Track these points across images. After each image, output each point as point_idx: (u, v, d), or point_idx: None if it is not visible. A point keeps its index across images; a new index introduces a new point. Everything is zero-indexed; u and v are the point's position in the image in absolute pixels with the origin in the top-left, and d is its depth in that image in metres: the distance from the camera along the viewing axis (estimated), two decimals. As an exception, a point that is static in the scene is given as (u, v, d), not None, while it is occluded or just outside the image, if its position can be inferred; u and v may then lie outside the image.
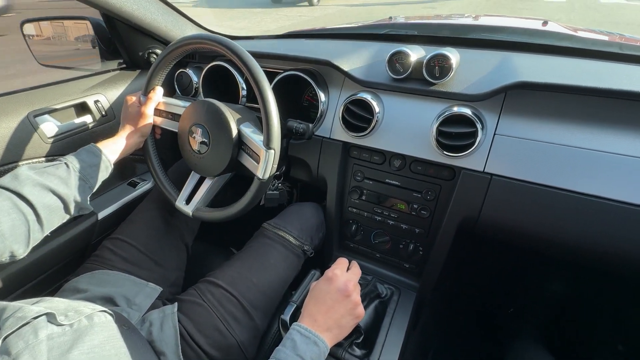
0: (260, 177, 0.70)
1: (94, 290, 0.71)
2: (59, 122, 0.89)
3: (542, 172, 0.69)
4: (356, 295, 0.62)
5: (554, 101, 0.70)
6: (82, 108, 0.95)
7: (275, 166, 0.71)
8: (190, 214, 0.80)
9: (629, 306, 1.02)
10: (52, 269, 0.92)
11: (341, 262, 0.68)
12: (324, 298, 0.61)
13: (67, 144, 0.90)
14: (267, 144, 0.69)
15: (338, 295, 0.61)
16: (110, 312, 0.56)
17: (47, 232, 0.64)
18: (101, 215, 0.99)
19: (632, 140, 0.64)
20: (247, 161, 0.74)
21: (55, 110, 0.88)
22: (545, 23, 1.19)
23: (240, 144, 0.75)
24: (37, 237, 0.61)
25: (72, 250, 0.96)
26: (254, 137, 0.73)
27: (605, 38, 1.06)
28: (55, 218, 0.65)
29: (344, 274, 0.65)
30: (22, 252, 0.59)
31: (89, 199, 0.71)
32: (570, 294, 1.18)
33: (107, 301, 0.70)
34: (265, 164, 0.69)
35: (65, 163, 0.68)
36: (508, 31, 1.10)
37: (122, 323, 0.57)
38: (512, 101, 0.73)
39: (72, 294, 0.71)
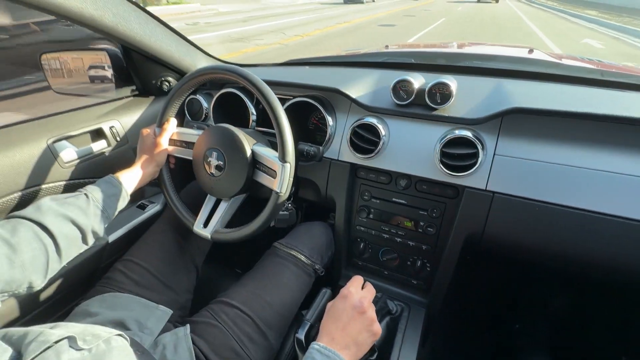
0: (278, 191, 0.73)
1: (106, 313, 0.72)
2: (76, 148, 0.92)
3: (540, 189, 0.74)
4: (372, 312, 0.63)
5: (547, 124, 0.77)
6: (98, 134, 0.98)
7: (292, 180, 0.74)
8: (210, 237, 0.81)
9: (631, 319, 1.05)
10: (62, 292, 0.92)
11: (356, 280, 0.69)
12: (340, 315, 0.61)
13: (84, 168, 0.93)
14: (283, 158, 0.72)
15: (354, 312, 0.61)
16: (125, 336, 0.56)
17: (64, 263, 0.64)
18: (111, 238, 1.00)
19: (623, 159, 0.69)
20: (263, 178, 0.77)
21: (73, 136, 0.91)
22: (531, 51, 1.29)
23: (254, 163, 0.78)
24: (54, 267, 0.61)
25: (82, 274, 0.96)
26: (268, 153, 0.77)
27: (587, 65, 1.16)
28: (73, 248, 0.65)
29: (359, 292, 0.65)
30: (39, 283, 0.59)
31: (105, 228, 0.72)
32: (574, 307, 1.21)
33: (119, 325, 0.70)
34: (282, 177, 0.72)
35: (85, 194, 0.69)
36: (498, 59, 1.19)
37: (137, 347, 0.57)
38: (509, 124, 0.79)
39: (83, 317, 0.71)
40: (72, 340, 0.46)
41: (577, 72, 0.99)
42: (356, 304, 0.62)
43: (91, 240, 0.69)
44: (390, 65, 1.15)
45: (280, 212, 1.02)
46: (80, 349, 0.46)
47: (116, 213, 0.76)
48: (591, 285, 1.09)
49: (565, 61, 1.17)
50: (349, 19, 13.34)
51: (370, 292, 0.68)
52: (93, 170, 0.96)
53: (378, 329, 0.62)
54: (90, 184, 0.74)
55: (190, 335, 0.70)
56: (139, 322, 0.72)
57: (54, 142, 0.87)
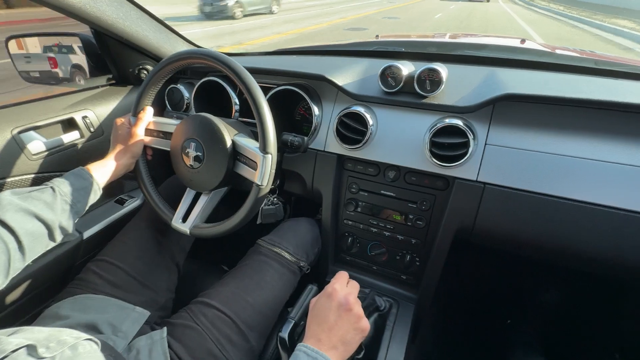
0: (259, 184, 0.69)
1: (77, 316, 0.67)
2: (44, 139, 0.86)
3: (532, 179, 0.71)
4: (358, 309, 0.60)
5: (540, 112, 0.74)
6: (70, 124, 0.92)
7: (274, 172, 0.70)
8: (188, 232, 0.77)
9: (624, 314, 1.03)
10: (31, 293, 0.86)
11: (341, 277, 0.65)
12: (325, 315, 0.58)
13: (54, 161, 0.87)
14: (264, 149, 0.68)
15: (340, 310, 0.58)
16: (95, 340, 0.52)
17: (28, 261, 0.59)
18: (86, 234, 0.94)
19: (616, 148, 0.67)
20: (244, 170, 0.73)
21: (41, 126, 0.86)
22: (523, 41, 1.26)
23: (235, 154, 0.74)
24: (17, 266, 0.57)
25: (54, 274, 0.91)
26: (249, 144, 0.72)
27: (580, 55, 1.13)
28: (39, 245, 0.61)
29: (344, 289, 0.62)
30: (0, 283, 0.55)
31: (75, 224, 0.67)
32: (566, 302, 1.20)
33: (91, 328, 0.66)
34: (262, 169, 0.68)
35: (52, 187, 0.64)
36: (490, 48, 1.15)
37: (108, 352, 0.53)
38: (501, 112, 0.76)
39: (52, 320, 0.67)
40: (31, 348, 0.42)
41: (570, 61, 0.96)
42: (342, 301, 0.59)
43: (59, 237, 0.64)
44: (379, 54, 1.11)
45: (266, 207, 0.98)
46: (41, 358, 0.42)
47: (87, 207, 0.71)
48: (584, 279, 1.08)
49: (558, 51, 1.15)
50: (309, 23, 10.97)
51: (354, 287, 0.64)
52: (64, 163, 0.90)
53: (366, 325, 0.59)
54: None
55: (166, 339, 0.66)
56: (112, 325, 0.68)
57: (20, 132, 0.81)
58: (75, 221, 0.68)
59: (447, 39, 1.35)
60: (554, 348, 1.14)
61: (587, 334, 1.13)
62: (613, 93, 0.68)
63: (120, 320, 0.70)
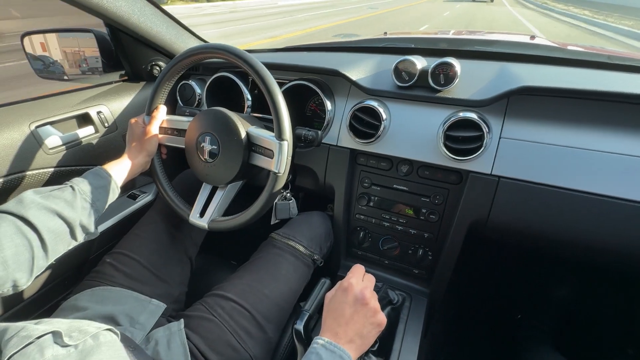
0: (277, 171, 0.69)
1: (95, 308, 0.68)
2: (60, 133, 0.87)
3: (547, 172, 0.71)
4: (375, 303, 0.59)
5: (554, 105, 0.74)
6: (84, 119, 0.93)
7: (290, 158, 0.70)
8: (207, 226, 0.77)
9: (637, 308, 1.03)
10: (48, 286, 0.87)
11: (357, 270, 0.64)
12: (342, 310, 0.58)
13: (69, 155, 0.88)
14: (280, 136, 0.68)
15: (356, 305, 0.57)
16: (115, 330, 0.53)
17: (51, 260, 0.60)
18: (100, 228, 0.95)
19: (632, 141, 0.67)
20: (260, 160, 0.74)
21: (57, 121, 0.87)
22: (532, 37, 1.26)
23: (250, 145, 0.74)
24: (41, 264, 0.57)
25: (69, 266, 0.92)
26: (264, 134, 0.73)
27: (591, 51, 1.13)
28: (61, 244, 0.61)
29: (360, 283, 0.61)
30: (24, 281, 0.55)
31: (95, 222, 0.68)
32: (580, 297, 1.19)
33: (109, 320, 0.67)
34: (280, 156, 0.68)
35: (71, 186, 0.65)
36: (501, 44, 1.15)
37: (127, 343, 0.54)
38: (515, 106, 0.76)
39: (71, 312, 0.68)
40: (56, 335, 0.43)
41: (582, 56, 0.96)
42: (358, 295, 0.58)
43: (80, 236, 0.65)
44: (390, 50, 1.11)
45: (280, 202, 0.98)
46: (65, 345, 0.43)
47: (106, 206, 0.72)
48: (596, 273, 1.07)
49: (569, 47, 1.14)
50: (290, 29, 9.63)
51: (370, 281, 0.64)
52: (80, 158, 0.91)
53: (383, 319, 0.59)
54: (78, 171, 0.70)
55: (184, 330, 0.67)
56: (130, 317, 0.69)
57: (38, 127, 0.82)
58: (96, 219, 0.69)
59: (456, 36, 1.35)
60: (565, 343, 1.13)
61: (599, 329, 1.12)
62: (630, 86, 0.67)
63: (137, 312, 0.70)
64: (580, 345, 1.13)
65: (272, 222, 0.96)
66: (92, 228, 0.67)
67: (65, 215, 0.61)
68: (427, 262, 0.92)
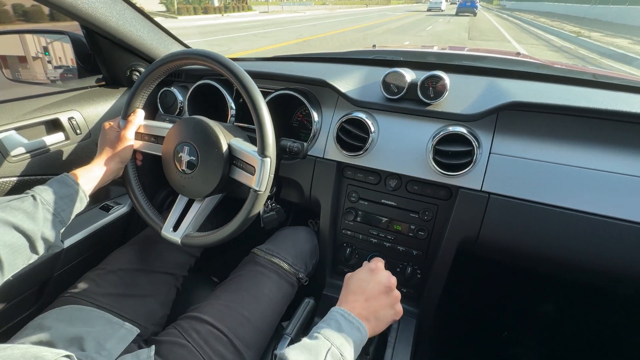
0: (257, 189, 0.65)
1: (61, 329, 0.62)
2: (26, 140, 0.81)
3: (538, 190, 0.70)
4: (398, 293, 0.61)
5: (544, 122, 0.73)
6: (54, 125, 0.87)
7: (272, 176, 0.66)
8: (179, 241, 0.72)
9: (624, 328, 1.02)
10: (9, 303, 0.80)
11: (380, 261, 0.66)
12: (364, 287, 0.59)
13: (37, 163, 0.82)
14: (262, 152, 0.64)
15: (380, 287, 0.59)
16: (74, 358, 0.48)
17: (8, 276, 0.54)
18: (67, 243, 0.88)
19: (621, 159, 0.66)
20: (241, 175, 0.69)
21: (23, 127, 0.80)
22: (518, 54, 1.28)
23: (231, 159, 0.70)
24: None
25: (31, 284, 0.84)
26: (246, 148, 0.69)
27: (577, 69, 1.14)
28: (20, 259, 0.56)
29: (386, 271, 0.64)
30: None
31: (60, 234, 0.63)
32: (567, 315, 1.18)
33: (74, 343, 0.60)
34: (261, 173, 0.64)
35: (32, 195, 0.60)
36: (489, 60, 1.16)
37: None
38: (505, 121, 0.75)
39: (34, 332, 0.61)
40: None
41: (569, 73, 0.97)
42: (384, 280, 0.60)
43: (42, 249, 0.60)
44: (379, 62, 1.09)
45: (266, 215, 0.93)
46: None
47: (72, 216, 0.66)
48: (584, 291, 1.06)
49: (555, 65, 1.16)
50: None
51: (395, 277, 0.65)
52: (47, 167, 0.85)
53: (401, 310, 0.61)
54: (44, 181, 0.65)
55: (154, 358, 0.61)
56: (97, 342, 0.63)
57: (0, 132, 0.76)
58: (61, 231, 0.63)
59: (445, 50, 1.36)
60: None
61: (585, 347, 1.11)
62: (617, 103, 0.67)
63: (106, 336, 0.64)
64: None
65: (261, 226, 0.92)
66: (55, 241, 0.62)
67: (24, 227, 0.55)
68: (416, 280, 0.89)
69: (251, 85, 0.65)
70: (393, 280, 0.62)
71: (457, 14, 26.86)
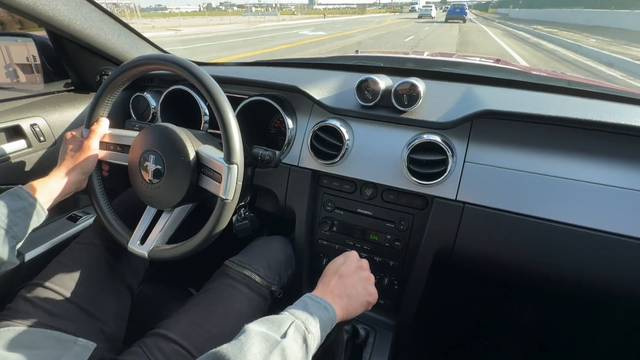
0: (224, 197, 0.62)
1: (2, 355, 0.57)
2: None
3: (512, 199, 0.69)
4: (371, 275, 0.65)
5: (518, 130, 0.72)
6: (15, 132, 0.83)
7: (240, 184, 0.64)
8: (147, 255, 0.69)
9: (601, 336, 1.02)
10: None
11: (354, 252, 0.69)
12: (337, 268, 0.63)
13: None
14: (228, 159, 0.62)
15: (352, 266, 0.63)
16: None
17: None
18: (28, 256, 0.84)
19: (595, 168, 0.65)
20: (209, 184, 0.67)
21: None
22: (498, 60, 1.28)
23: (199, 167, 0.67)
24: None
25: None
26: (213, 154, 0.66)
27: (552, 76, 1.15)
28: None
29: (360, 258, 0.67)
30: None
31: (15, 250, 0.59)
32: (545, 324, 1.17)
33: None
34: (227, 181, 0.62)
35: None
36: (467, 66, 1.16)
37: None
38: (479, 129, 0.74)
39: None
40: None
41: (544, 80, 0.97)
42: (357, 262, 0.65)
43: None
44: (357, 68, 1.08)
45: (238, 224, 0.90)
46: None
47: (28, 231, 0.62)
48: (562, 301, 1.06)
49: (532, 72, 1.17)
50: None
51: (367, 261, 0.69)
52: (6, 176, 0.81)
53: (375, 291, 0.63)
54: (3, 190, 0.60)
55: None
56: None
57: None
58: (16, 246, 0.60)
59: (424, 56, 1.36)
60: None
61: (565, 355, 1.10)
62: (589, 112, 0.67)
63: (57, 355, 0.60)
64: None
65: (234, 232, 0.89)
66: (7, 257, 0.58)
67: None
68: (393, 291, 0.87)
69: (215, 89, 0.62)
70: (365, 263, 0.66)
71: (446, 21, 27.34)
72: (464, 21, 26.47)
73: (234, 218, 0.91)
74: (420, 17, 35.42)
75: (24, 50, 0.91)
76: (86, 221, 0.98)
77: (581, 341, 1.08)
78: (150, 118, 1.03)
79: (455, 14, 26.93)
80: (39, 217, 0.64)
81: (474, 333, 1.22)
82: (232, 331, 0.69)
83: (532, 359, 1.14)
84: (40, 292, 0.68)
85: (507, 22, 26.11)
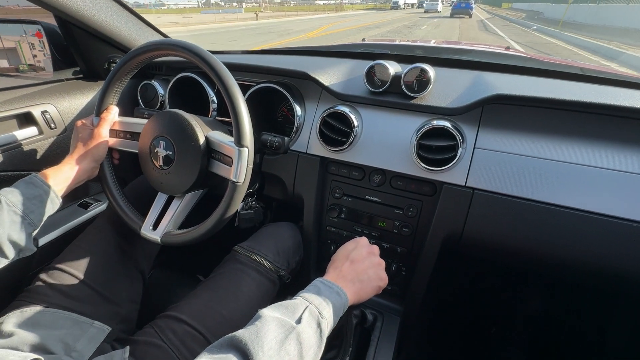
0: (235, 180, 0.63)
1: (23, 334, 0.58)
2: None
3: (522, 185, 0.68)
4: (381, 260, 0.65)
5: (529, 116, 0.71)
6: (26, 119, 0.84)
7: (251, 167, 0.64)
8: (159, 240, 0.70)
9: (609, 323, 1.02)
10: None
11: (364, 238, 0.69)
12: (348, 253, 0.63)
13: (6, 159, 0.78)
14: (238, 142, 0.62)
15: (363, 251, 0.63)
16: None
17: None
18: (42, 241, 0.85)
19: (607, 153, 0.65)
20: (219, 168, 0.67)
21: None
22: (507, 48, 1.26)
23: (209, 152, 0.68)
24: None
25: (3, 286, 0.81)
26: (223, 139, 0.66)
27: (564, 63, 1.13)
28: None
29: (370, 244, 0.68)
30: None
31: (32, 237, 0.60)
32: (553, 311, 1.18)
33: (39, 348, 0.58)
34: (238, 164, 0.62)
35: None
36: (476, 53, 1.14)
37: None
38: (490, 115, 0.73)
39: None
40: None
41: (556, 67, 0.96)
42: (368, 248, 0.65)
43: (11, 252, 0.58)
44: (365, 56, 1.07)
45: (243, 212, 0.91)
46: None
47: (44, 218, 0.63)
48: (570, 289, 1.06)
49: (543, 59, 1.15)
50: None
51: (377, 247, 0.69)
52: (19, 162, 0.82)
53: (385, 276, 0.63)
54: (16, 177, 0.62)
55: (128, 359, 0.58)
56: (65, 344, 0.60)
57: None
58: (33, 233, 0.61)
59: (432, 44, 1.34)
60: (538, 357, 1.11)
61: (572, 344, 1.11)
62: (603, 97, 0.66)
63: (74, 337, 0.62)
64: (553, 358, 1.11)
65: (235, 224, 0.89)
66: (25, 244, 0.59)
67: None
68: (401, 277, 0.87)
69: (225, 73, 0.63)
70: (376, 249, 0.66)
71: (451, 16, 26.20)
72: (470, 16, 25.53)
73: (239, 207, 0.91)
74: (426, 11, 34.58)
75: (33, 38, 0.91)
76: (97, 208, 0.99)
77: (587, 330, 1.09)
78: (158, 106, 1.03)
79: (461, 9, 25.84)
80: (53, 205, 0.65)
81: (480, 321, 1.23)
82: (242, 314, 0.71)
83: (537, 348, 1.15)
84: (57, 276, 0.70)
85: (545, 27, 14.54)
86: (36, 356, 0.46)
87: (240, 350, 0.41)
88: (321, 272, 0.97)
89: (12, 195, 0.59)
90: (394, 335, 0.80)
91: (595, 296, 1.03)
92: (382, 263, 0.65)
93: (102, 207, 1.01)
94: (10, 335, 0.58)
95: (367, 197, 0.85)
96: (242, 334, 0.43)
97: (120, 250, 0.79)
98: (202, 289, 0.74)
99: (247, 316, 0.72)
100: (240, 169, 0.62)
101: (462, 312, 1.25)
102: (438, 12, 33.26)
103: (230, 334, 0.44)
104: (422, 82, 0.75)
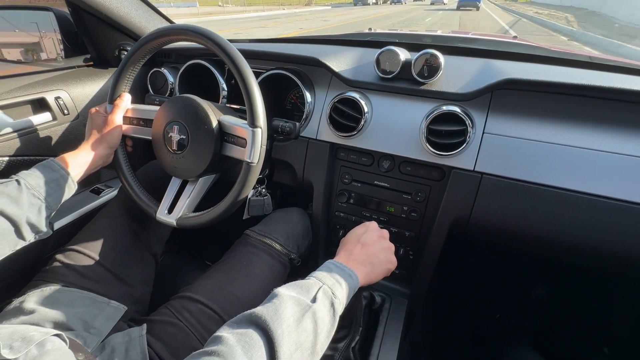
0: (250, 160, 0.64)
1: (43, 311, 0.60)
2: (10, 119, 0.79)
3: (531, 169, 0.69)
4: (391, 244, 0.67)
5: (538, 101, 0.72)
6: (40, 105, 0.85)
7: (265, 147, 0.65)
8: (175, 223, 0.71)
9: (613, 307, 1.03)
10: None
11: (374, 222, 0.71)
12: (359, 237, 0.64)
13: (22, 143, 0.80)
14: (252, 123, 0.64)
15: (374, 235, 0.65)
16: (64, 337, 0.47)
17: None
18: (57, 225, 0.87)
19: (615, 138, 0.65)
20: (233, 150, 0.68)
21: (7, 105, 0.78)
22: (515, 37, 1.26)
23: (222, 135, 0.69)
24: None
25: (20, 267, 0.84)
26: (236, 121, 0.68)
27: (572, 51, 1.13)
28: (6, 244, 0.56)
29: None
30: None
31: (48, 220, 0.62)
32: (559, 296, 1.19)
33: (60, 325, 0.60)
34: (252, 144, 0.63)
35: (17, 180, 0.59)
36: (484, 42, 1.14)
37: (78, 350, 0.49)
38: (499, 101, 0.74)
39: (15, 316, 0.60)
40: None
41: (565, 55, 0.96)
42: (378, 231, 0.67)
43: (29, 234, 0.59)
44: (374, 44, 1.07)
45: (254, 198, 0.93)
46: (4, 359, 0.38)
47: (60, 202, 0.65)
48: (574, 273, 1.07)
49: (551, 48, 1.15)
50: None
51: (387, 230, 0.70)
52: (34, 147, 0.83)
53: (394, 258, 0.65)
54: (32, 162, 0.64)
55: (146, 337, 0.61)
56: (84, 321, 0.62)
57: None
58: (50, 216, 0.63)
59: (440, 33, 1.34)
60: (544, 343, 1.13)
61: (576, 329, 1.13)
62: (612, 82, 0.66)
63: (92, 315, 0.64)
64: (558, 345, 1.13)
65: (244, 217, 0.91)
66: (42, 226, 0.61)
67: (8, 212, 0.55)
68: (408, 261, 0.89)
69: (237, 56, 0.63)
70: (385, 231, 0.68)
71: (458, 9, 25.40)
72: (477, 9, 24.90)
73: (250, 193, 0.93)
74: (432, 3, 34.00)
75: (45, 24, 0.92)
76: (109, 194, 1.01)
77: (593, 316, 1.10)
78: (168, 93, 1.04)
79: (468, 2, 25.27)
80: (69, 190, 0.66)
81: (485, 305, 1.25)
82: (255, 295, 0.72)
83: (545, 333, 1.17)
84: (73, 257, 0.72)
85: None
86: (57, 331, 0.47)
87: (259, 327, 0.43)
88: (330, 256, 0.99)
89: (31, 179, 0.60)
90: (401, 317, 0.82)
91: (601, 282, 1.04)
92: (392, 247, 0.66)
93: (113, 192, 1.03)
94: (31, 312, 0.60)
95: (375, 182, 0.86)
96: (261, 310, 0.44)
97: (133, 234, 0.81)
98: (214, 270, 0.76)
99: (260, 297, 0.74)
100: (255, 149, 0.63)
101: (468, 296, 1.27)
102: (444, 4, 32.67)
103: (248, 311, 0.46)
104: (432, 67, 0.76)
